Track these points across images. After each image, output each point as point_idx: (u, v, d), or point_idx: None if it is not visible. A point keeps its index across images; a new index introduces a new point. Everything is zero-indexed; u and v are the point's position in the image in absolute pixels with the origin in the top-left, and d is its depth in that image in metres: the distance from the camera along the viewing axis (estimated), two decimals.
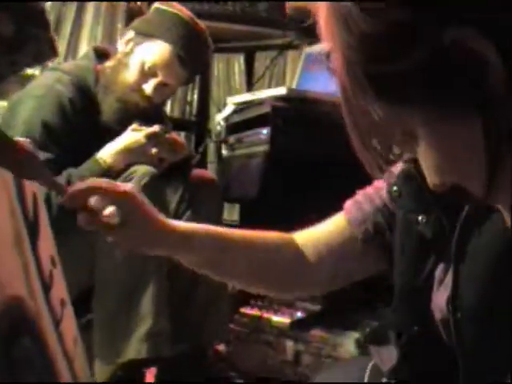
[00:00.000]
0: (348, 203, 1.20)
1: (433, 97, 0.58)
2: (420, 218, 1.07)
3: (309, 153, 2.27)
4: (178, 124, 2.79)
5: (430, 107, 0.58)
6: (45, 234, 1.05)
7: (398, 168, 1.16)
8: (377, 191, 1.19)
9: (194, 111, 3.01)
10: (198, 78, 2.91)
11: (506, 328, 0.93)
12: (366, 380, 1.18)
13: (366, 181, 2.40)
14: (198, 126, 2.86)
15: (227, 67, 3.11)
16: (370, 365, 1.23)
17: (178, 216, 1.92)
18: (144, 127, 1.84)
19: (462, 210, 1.04)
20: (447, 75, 0.56)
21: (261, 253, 1.14)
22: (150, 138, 1.82)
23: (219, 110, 2.70)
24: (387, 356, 1.21)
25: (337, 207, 2.39)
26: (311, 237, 1.18)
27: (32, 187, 1.00)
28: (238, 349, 2.10)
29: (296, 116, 2.28)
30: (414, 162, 1.09)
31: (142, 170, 1.75)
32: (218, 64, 3.11)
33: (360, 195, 1.20)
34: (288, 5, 2.86)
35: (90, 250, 1.77)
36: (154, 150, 1.83)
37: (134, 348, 1.71)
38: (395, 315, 1.13)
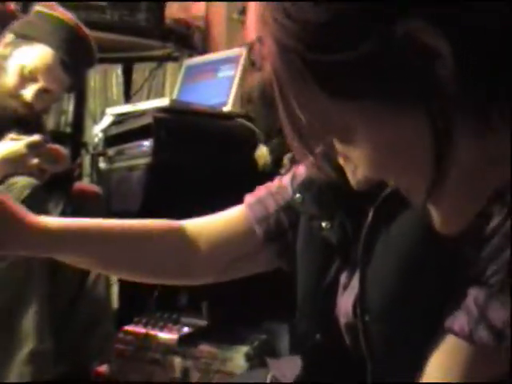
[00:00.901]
0: (249, 198, 1.17)
1: (379, 90, 0.56)
2: (324, 223, 1.07)
3: (192, 166, 2.24)
4: (52, 136, 2.68)
5: (375, 100, 0.56)
6: None
7: (301, 172, 1.15)
8: (281, 190, 1.16)
9: (69, 122, 2.90)
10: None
11: (415, 327, 0.94)
12: None
13: (251, 187, 2.40)
14: (73, 137, 2.76)
15: (104, 78, 3.02)
16: (269, 377, 1.21)
17: None
18: (24, 136, 1.74)
19: (367, 213, 1.05)
20: (396, 68, 0.54)
21: (142, 241, 1.08)
22: (31, 147, 1.73)
23: (95, 122, 2.61)
24: (288, 367, 1.20)
25: None
26: (206, 226, 1.15)
27: None
28: (124, 368, 2.02)
29: (179, 128, 2.24)
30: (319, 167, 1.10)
31: (22, 182, 1.66)
32: (94, 74, 3.02)
33: (263, 191, 1.17)
34: (168, 16, 2.83)
35: None
36: (34, 161, 1.73)
37: (17, 371, 1.61)
38: (298, 323, 1.13)
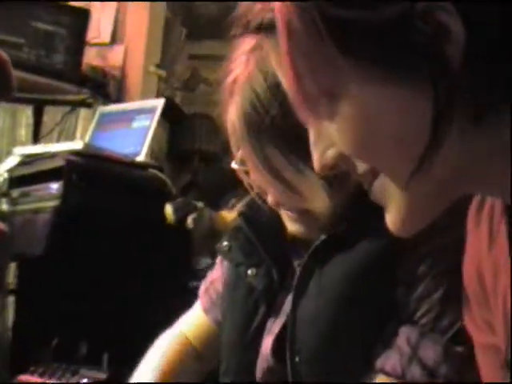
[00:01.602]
0: (201, 290, 1.26)
1: (390, 57, 0.56)
2: (249, 271, 1.08)
3: (102, 212, 2.19)
4: None
5: (384, 67, 0.56)
6: None
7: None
8: (219, 275, 1.22)
9: None
10: None
11: (347, 366, 0.95)
12: None
13: (160, 241, 2.37)
14: None
15: (13, 118, 2.93)
16: None
17: None
18: None
19: (295, 259, 1.06)
20: (411, 40, 0.54)
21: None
22: None
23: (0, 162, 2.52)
24: None
25: (127, 268, 2.32)
26: (201, 333, 1.26)
27: None
28: None
29: (91, 173, 2.19)
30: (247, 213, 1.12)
31: None
32: (3, 113, 2.93)
33: (209, 280, 1.25)
34: (85, 62, 2.80)
35: None
36: None
37: None
38: (222, 377, 1.13)
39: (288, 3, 0.57)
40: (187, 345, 1.25)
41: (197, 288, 1.44)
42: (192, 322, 1.27)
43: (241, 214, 1.13)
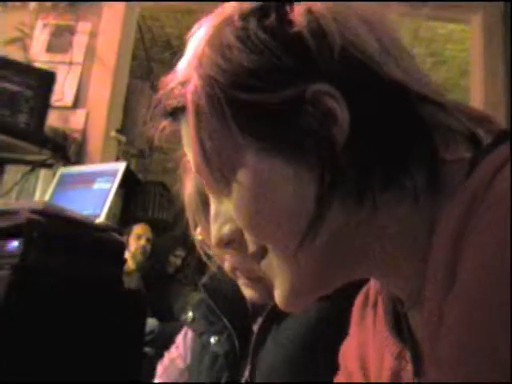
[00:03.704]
0: (159, 368, 1.35)
1: (281, 136, 0.61)
2: (212, 338, 1.14)
3: (60, 271, 2.18)
4: None
5: (276, 145, 0.61)
6: None
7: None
8: (179, 353, 1.26)
9: None
10: None
11: None
12: None
13: (116, 304, 2.37)
14: None
15: None
16: None
17: None
18: None
19: (256, 324, 1.10)
20: (301, 122, 0.60)
21: None
22: None
23: None
24: None
25: (82, 329, 2.31)
26: None
27: None
28: None
29: (52, 231, 2.18)
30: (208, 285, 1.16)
31: None
32: None
33: (167, 358, 1.28)
34: (47, 124, 2.83)
35: None
36: None
37: None
38: None
39: (198, 86, 0.63)
40: None
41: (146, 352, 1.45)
42: None
43: (203, 286, 1.18)
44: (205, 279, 1.20)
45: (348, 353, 0.81)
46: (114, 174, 2.54)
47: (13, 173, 2.95)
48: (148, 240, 3.60)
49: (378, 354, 0.72)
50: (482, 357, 0.45)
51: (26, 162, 2.87)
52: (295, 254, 0.63)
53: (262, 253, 0.66)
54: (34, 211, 2.22)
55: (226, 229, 0.70)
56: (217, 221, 0.70)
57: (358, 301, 0.79)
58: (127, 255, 2.77)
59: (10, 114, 2.66)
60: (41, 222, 2.23)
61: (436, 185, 0.61)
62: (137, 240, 3.44)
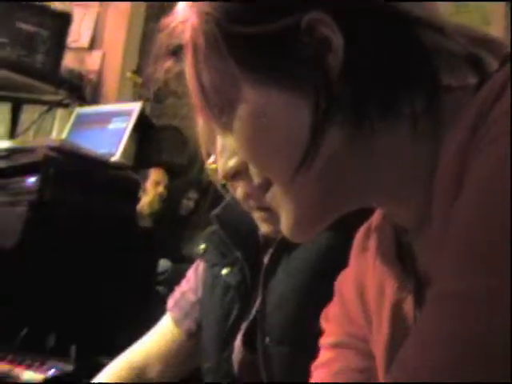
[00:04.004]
0: (170, 302, 1.30)
1: (277, 66, 0.62)
2: (224, 270, 1.15)
3: (76, 207, 2.23)
4: None
5: (271, 75, 0.62)
6: None
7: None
8: (190, 286, 1.26)
9: None
10: None
11: (310, 345, 1.00)
12: None
13: (130, 241, 2.42)
14: None
15: None
16: None
17: None
18: None
19: (266, 254, 1.12)
20: (297, 50, 0.61)
21: None
22: None
23: None
24: None
25: (97, 264, 2.35)
26: (146, 355, 1.30)
27: None
28: None
29: (67, 168, 2.23)
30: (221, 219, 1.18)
31: None
32: None
33: (178, 292, 1.30)
34: (63, 64, 2.84)
35: None
36: None
37: None
38: (204, 376, 1.19)
39: (195, 23, 0.64)
40: (137, 369, 1.32)
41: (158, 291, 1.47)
42: (154, 342, 1.32)
43: (216, 217, 1.19)
44: (217, 210, 1.20)
45: (346, 281, 0.81)
46: (129, 113, 2.57)
47: (30, 112, 2.99)
48: (165, 187, 3.62)
49: (378, 285, 0.73)
50: (484, 265, 0.47)
51: (43, 102, 2.89)
52: (294, 183, 0.64)
53: (266, 185, 0.68)
54: (50, 148, 2.26)
55: (232, 162, 0.71)
56: (223, 154, 0.72)
57: (361, 232, 0.80)
58: (144, 201, 2.80)
59: (27, 54, 2.68)
60: (57, 159, 2.28)
61: (436, 110, 0.62)
62: (155, 187, 3.46)
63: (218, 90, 0.65)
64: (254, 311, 1.11)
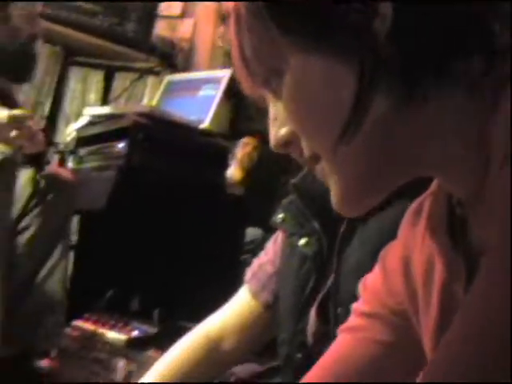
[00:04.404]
0: (248, 274, 1.29)
1: (322, 32, 0.59)
2: (302, 240, 1.13)
3: (163, 173, 2.25)
4: None
5: (317, 42, 0.59)
6: None
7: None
8: (269, 258, 1.26)
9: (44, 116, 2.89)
10: (52, 87, 2.83)
11: None
12: None
13: (218, 208, 2.42)
14: (44, 133, 2.73)
15: (85, 82, 3.02)
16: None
17: (27, 209, 1.82)
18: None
19: (342, 225, 1.09)
20: (342, 15, 0.57)
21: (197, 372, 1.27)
22: (14, 119, 1.72)
23: (69, 122, 2.61)
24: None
25: (182, 230, 2.37)
26: (222, 327, 1.29)
27: None
28: (66, 363, 1.97)
29: (156, 134, 2.25)
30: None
31: None
32: (75, 77, 3.02)
33: (256, 264, 1.30)
34: (155, 32, 2.87)
35: None
36: (13, 133, 1.72)
37: None
38: (280, 346, 1.17)
39: None
40: (211, 341, 1.30)
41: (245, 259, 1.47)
42: (231, 314, 1.30)
43: (294, 186, 1.17)
44: (296, 179, 1.18)
45: (392, 254, 0.78)
46: (219, 81, 2.56)
47: (122, 80, 3.03)
48: (255, 148, 3.62)
49: (426, 262, 0.69)
50: None
51: (135, 70, 2.93)
52: (339, 154, 0.61)
53: (315, 158, 0.65)
54: (140, 114, 2.29)
55: (283, 131, 0.70)
56: (274, 123, 0.71)
57: (413, 205, 0.76)
58: (236, 169, 2.80)
59: (119, 22, 2.71)
60: (146, 125, 2.30)
61: (494, 76, 0.57)
62: (243, 147, 3.47)
63: (262, 59, 0.63)
64: (329, 282, 1.09)
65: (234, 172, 2.72)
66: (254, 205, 2.85)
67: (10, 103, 1.81)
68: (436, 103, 0.58)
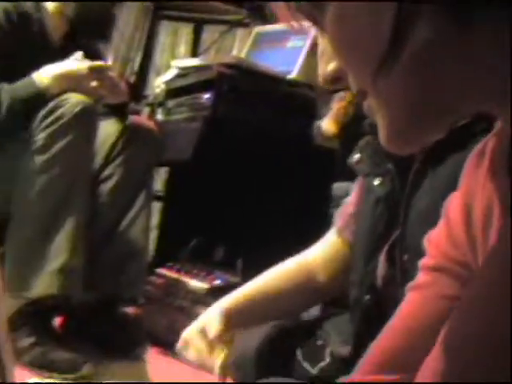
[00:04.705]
0: (336, 214, 1.32)
1: None
2: (376, 180, 1.11)
3: (249, 124, 2.24)
4: None
5: None
6: None
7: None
8: (352, 200, 1.27)
9: (134, 71, 2.94)
10: (142, 42, 2.87)
11: None
12: None
13: (304, 159, 2.38)
14: (135, 87, 2.78)
15: (175, 35, 3.05)
16: None
17: (109, 158, 1.85)
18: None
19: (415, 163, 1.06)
20: None
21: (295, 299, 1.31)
22: (94, 70, 1.74)
23: (159, 75, 2.63)
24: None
25: (268, 181, 2.36)
26: (319, 261, 1.31)
27: None
28: (149, 310, 2.01)
29: (241, 85, 2.23)
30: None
31: (76, 98, 1.66)
32: (165, 31, 3.05)
33: (344, 205, 1.31)
34: None
35: (10, 178, 1.67)
36: (93, 84, 1.74)
37: (45, 283, 1.63)
38: (350, 288, 1.16)
39: None
40: (306, 270, 1.31)
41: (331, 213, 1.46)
42: (320, 249, 1.31)
43: (369, 125, 1.15)
44: (371, 119, 1.15)
45: (454, 203, 0.74)
46: (306, 32, 2.52)
47: (211, 32, 3.03)
48: (350, 102, 3.56)
49: (486, 207, 0.65)
50: None
51: (224, 22, 2.92)
52: (382, 85, 0.57)
53: (363, 94, 0.63)
54: (225, 65, 2.28)
55: (331, 66, 0.68)
56: (322, 59, 0.68)
57: (478, 147, 0.71)
58: (330, 121, 2.74)
59: None
60: (231, 76, 2.29)
61: None
62: (338, 102, 3.42)
63: None
64: (399, 226, 1.07)
65: (328, 125, 2.66)
66: (344, 159, 2.79)
67: (96, 59, 1.83)
68: (485, 27, 0.54)
